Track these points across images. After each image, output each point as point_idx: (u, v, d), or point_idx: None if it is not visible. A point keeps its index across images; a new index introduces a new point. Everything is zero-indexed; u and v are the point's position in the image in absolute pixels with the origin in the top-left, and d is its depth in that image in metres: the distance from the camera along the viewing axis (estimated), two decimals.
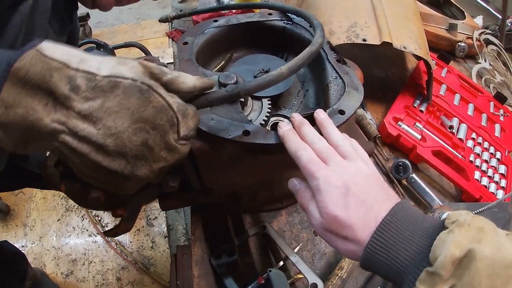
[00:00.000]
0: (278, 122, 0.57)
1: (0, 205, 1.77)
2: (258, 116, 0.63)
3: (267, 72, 0.69)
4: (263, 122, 0.62)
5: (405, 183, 0.90)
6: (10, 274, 1.18)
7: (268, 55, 0.74)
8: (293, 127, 0.52)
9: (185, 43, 0.68)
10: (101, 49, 2.10)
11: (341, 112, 0.59)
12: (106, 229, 1.67)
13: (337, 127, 0.57)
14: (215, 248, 0.74)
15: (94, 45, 2.10)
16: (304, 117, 0.66)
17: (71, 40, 0.82)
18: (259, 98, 0.65)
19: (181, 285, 0.76)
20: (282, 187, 0.73)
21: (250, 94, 0.49)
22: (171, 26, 2.82)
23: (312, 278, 0.67)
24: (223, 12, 1.17)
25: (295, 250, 0.73)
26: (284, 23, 0.76)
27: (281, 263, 0.72)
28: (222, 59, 0.74)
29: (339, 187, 0.42)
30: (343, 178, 0.42)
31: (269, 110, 0.64)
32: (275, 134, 0.53)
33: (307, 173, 0.45)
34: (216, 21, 0.74)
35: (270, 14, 0.77)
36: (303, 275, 0.68)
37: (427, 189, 0.88)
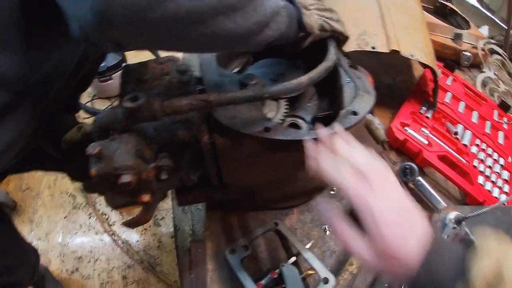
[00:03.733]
0: (295, 123, 0.61)
1: (7, 201, 1.78)
2: (275, 115, 0.67)
3: (282, 75, 0.73)
4: (280, 122, 0.66)
5: (412, 186, 0.93)
6: (23, 267, 1.20)
7: (282, 59, 0.77)
8: (322, 144, 0.51)
9: None
10: None
11: (355, 113, 0.63)
12: (114, 227, 1.70)
13: (351, 127, 0.61)
14: (229, 243, 0.77)
15: None
16: (319, 118, 0.70)
17: None
18: (276, 99, 0.69)
19: (195, 279, 0.78)
20: (295, 185, 0.77)
21: (273, 98, 0.52)
22: None
23: (324, 273, 0.70)
24: None
25: (307, 247, 0.76)
26: None
27: (293, 259, 0.75)
28: (241, 61, 0.78)
29: (393, 219, 0.40)
30: (392, 207, 0.41)
31: (286, 111, 0.68)
32: (293, 131, 0.57)
33: (356, 204, 0.43)
34: None
35: None
36: (315, 270, 0.71)
37: (432, 191, 0.90)
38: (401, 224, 0.40)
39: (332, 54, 0.63)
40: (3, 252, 1.01)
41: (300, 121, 0.70)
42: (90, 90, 2.30)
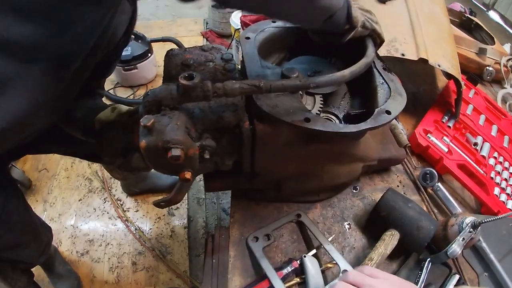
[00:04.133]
0: (328, 119, 0.63)
1: (23, 179, 1.80)
2: (311, 110, 0.69)
3: (319, 72, 0.75)
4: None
5: (430, 191, 0.95)
6: (34, 244, 1.21)
7: (318, 57, 0.80)
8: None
9: (247, 38, 0.75)
10: (139, 41, 2.20)
11: (388, 112, 0.65)
12: (127, 213, 1.72)
13: (384, 124, 0.63)
14: (252, 231, 0.79)
15: (133, 36, 2.19)
16: (352, 115, 0.73)
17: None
18: (313, 94, 0.71)
19: (217, 264, 0.80)
20: (320, 180, 0.79)
21: (317, 87, 0.55)
22: (206, 27, 2.94)
23: (344, 265, 0.72)
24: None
25: (329, 240, 0.78)
26: None
27: (314, 251, 0.77)
28: (278, 56, 0.81)
29: None
30: None
31: (321, 106, 0.70)
32: (332, 123, 0.60)
33: None
34: (274, 21, 0.81)
35: None
36: (336, 262, 0.73)
37: (450, 198, 0.93)
38: None
39: (370, 51, 0.66)
40: (14, 227, 1.02)
41: (333, 118, 0.72)
42: (113, 78, 2.34)
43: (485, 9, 3.68)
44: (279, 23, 0.81)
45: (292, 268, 0.73)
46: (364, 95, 0.76)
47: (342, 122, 0.73)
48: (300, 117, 0.59)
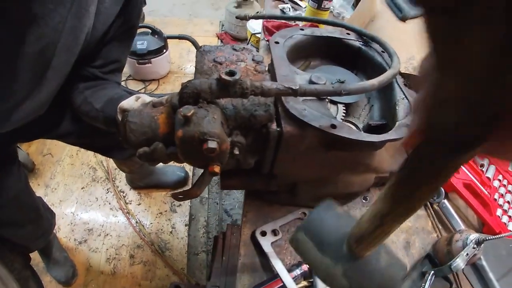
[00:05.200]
0: None
1: (27, 161, 1.80)
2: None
3: (342, 82, 0.78)
4: None
5: (436, 207, 0.97)
6: (32, 225, 1.22)
7: (343, 68, 0.83)
8: None
9: (277, 42, 0.77)
10: (156, 36, 2.22)
11: (408, 126, 0.68)
12: (129, 206, 1.73)
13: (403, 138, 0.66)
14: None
15: (150, 30, 2.22)
16: (372, 126, 0.75)
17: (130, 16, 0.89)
18: (336, 103, 0.74)
19: (226, 261, 0.82)
20: (336, 187, 0.82)
21: (349, 94, 0.58)
22: (221, 28, 2.97)
23: None
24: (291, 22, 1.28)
25: None
26: (361, 44, 0.85)
27: None
28: (304, 63, 0.84)
29: None
30: None
31: (344, 115, 0.73)
32: (357, 131, 0.62)
33: None
34: (302, 29, 0.84)
35: (348, 33, 0.87)
36: None
37: (455, 215, 0.95)
38: None
39: (396, 62, 0.68)
40: (10, 203, 1.04)
41: (353, 127, 0.75)
42: (126, 70, 2.34)
43: None
44: (307, 31, 0.84)
45: (302, 271, 0.74)
46: (384, 108, 0.79)
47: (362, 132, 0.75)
48: (327, 123, 0.61)
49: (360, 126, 0.76)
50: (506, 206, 1.06)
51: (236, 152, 0.60)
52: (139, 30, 2.09)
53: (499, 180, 1.12)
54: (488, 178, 1.09)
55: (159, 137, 0.64)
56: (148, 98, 0.86)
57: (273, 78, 0.70)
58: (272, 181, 0.78)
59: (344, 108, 0.74)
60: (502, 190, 1.10)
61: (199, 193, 0.72)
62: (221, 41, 2.79)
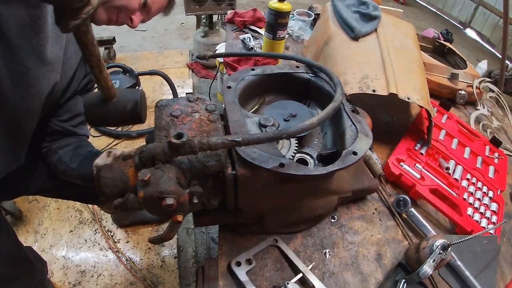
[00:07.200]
0: (303, 159, 0.71)
1: (14, 209, 1.82)
2: (287, 152, 0.78)
3: (294, 116, 0.84)
4: (291, 157, 0.77)
5: (405, 216, 1.03)
6: (27, 277, 1.25)
7: (294, 101, 0.89)
8: None
9: (229, 87, 0.84)
10: (127, 74, 2.29)
11: (354, 153, 0.74)
12: (118, 244, 1.77)
13: (350, 165, 0.71)
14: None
15: (121, 70, 2.29)
16: (323, 156, 0.81)
17: None
18: (288, 137, 0.80)
19: None
20: (300, 212, 0.87)
21: (288, 137, 0.63)
22: (191, 58, 3.05)
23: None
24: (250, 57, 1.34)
25: (308, 268, 0.85)
26: (310, 75, 0.92)
27: (298, 277, 0.83)
28: (257, 102, 0.90)
29: None
30: None
31: (296, 148, 0.79)
32: (303, 167, 0.68)
33: None
34: (253, 69, 0.90)
35: (297, 67, 0.93)
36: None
37: (424, 221, 1.00)
38: None
39: (338, 94, 0.74)
40: (4, 261, 1.07)
41: (307, 157, 0.81)
42: None
43: (462, 27, 3.84)
44: (258, 70, 0.90)
45: None
46: (335, 135, 0.85)
47: (316, 161, 0.81)
48: (275, 163, 0.67)
49: (314, 155, 0.82)
50: (477, 204, 1.11)
51: (195, 200, 0.66)
52: (110, 70, 2.14)
53: (468, 179, 1.17)
54: (456, 179, 1.14)
55: (130, 188, 0.70)
56: (118, 152, 0.92)
57: (227, 122, 0.77)
58: (240, 215, 0.84)
59: (297, 141, 0.80)
60: (472, 188, 1.15)
61: (172, 236, 0.78)
62: (192, 71, 2.86)
